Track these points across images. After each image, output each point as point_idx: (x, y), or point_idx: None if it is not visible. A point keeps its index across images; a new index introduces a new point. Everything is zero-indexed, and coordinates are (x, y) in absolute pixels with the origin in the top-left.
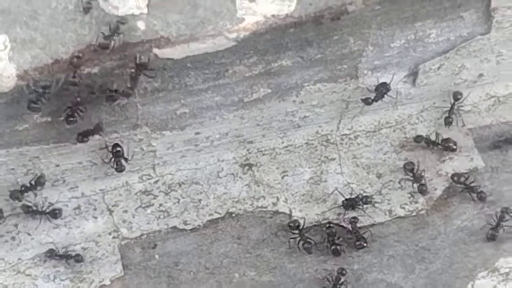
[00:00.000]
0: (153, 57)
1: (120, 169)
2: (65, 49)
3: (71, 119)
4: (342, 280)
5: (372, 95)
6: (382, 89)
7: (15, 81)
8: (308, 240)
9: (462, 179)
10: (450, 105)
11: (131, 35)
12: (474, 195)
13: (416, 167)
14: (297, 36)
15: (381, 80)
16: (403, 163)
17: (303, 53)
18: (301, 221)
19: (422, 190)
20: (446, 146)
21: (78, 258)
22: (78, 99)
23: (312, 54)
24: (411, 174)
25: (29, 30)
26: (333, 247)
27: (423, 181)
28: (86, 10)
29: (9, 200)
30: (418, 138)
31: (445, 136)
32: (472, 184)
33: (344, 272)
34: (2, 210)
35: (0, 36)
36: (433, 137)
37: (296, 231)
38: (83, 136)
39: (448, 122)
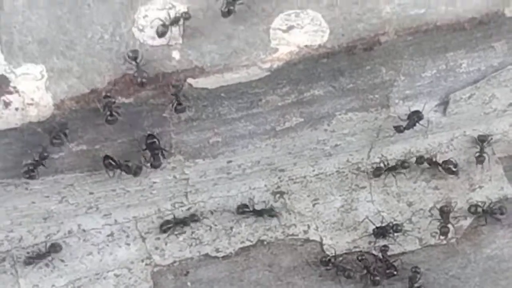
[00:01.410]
0: (187, 86)
1: (157, 164)
2: (101, 79)
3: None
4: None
5: (404, 123)
6: (414, 117)
7: (52, 110)
8: (345, 268)
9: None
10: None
11: (165, 65)
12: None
13: (451, 210)
14: (329, 66)
15: (413, 109)
16: (440, 206)
17: (335, 83)
18: (331, 253)
19: (444, 232)
20: (446, 168)
21: (57, 249)
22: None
23: (344, 83)
24: (444, 216)
25: (65, 59)
26: (374, 277)
27: (447, 223)
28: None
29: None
30: (420, 160)
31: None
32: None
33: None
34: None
35: (37, 66)
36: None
37: (330, 265)
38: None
39: (480, 161)
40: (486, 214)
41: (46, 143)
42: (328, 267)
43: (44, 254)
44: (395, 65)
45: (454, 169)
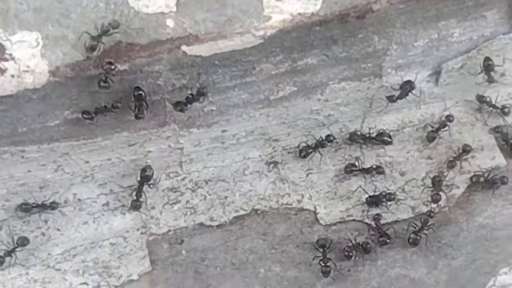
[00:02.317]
0: (181, 54)
1: (140, 115)
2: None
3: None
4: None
5: (397, 93)
6: (406, 87)
7: (47, 77)
8: (328, 264)
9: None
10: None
11: (160, 33)
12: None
13: (443, 179)
14: (322, 34)
15: (405, 79)
16: (432, 176)
17: (328, 52)
18: (328, 242)
19: (436, 199)
20: (382, 140)
21: (54, 206)
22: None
23: (337, 52)
24: (436, 184)
25: (61, 27)
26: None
27: (438, 190)
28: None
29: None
30: (353, 136)
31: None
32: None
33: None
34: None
35: (32, 34)
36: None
37: (321, 250)
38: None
39: (431, 138)
40: (487, 183)
41: None
42: (319, 251)
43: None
44: (387, 34)
45: (389, 140)
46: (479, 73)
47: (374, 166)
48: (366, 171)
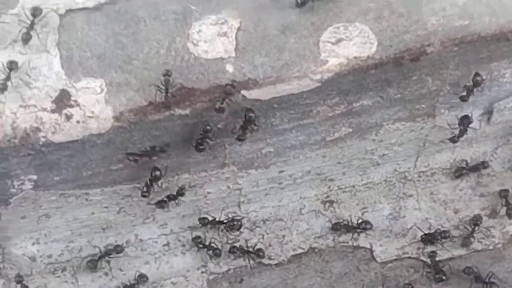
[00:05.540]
0: (241, 98)
1: (200, 148)
2: (158, 92)
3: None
4: None
5: (456, 132)
6: (464, 123)
7: (111, 122)
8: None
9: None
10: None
11: (220, 78)
12: None
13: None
14: (377, 76)
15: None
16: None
17: (383, 93)
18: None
19: (465, 243)
20: (364, 228)
21: (118, 249)
22: (209, 127)
23: (392, 94)
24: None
25: (123, 73)
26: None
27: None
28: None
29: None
30: (335, 226)
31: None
32: None
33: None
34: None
35: (96, 80)
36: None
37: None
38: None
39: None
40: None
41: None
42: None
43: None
44: (441, 75)
45: (370, 226)
46: None
47: (360, 222)
48: (353, 228)
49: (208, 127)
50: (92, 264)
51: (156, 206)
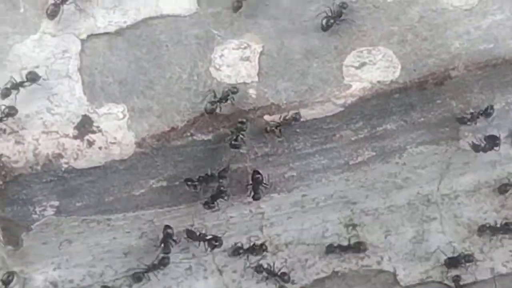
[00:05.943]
0: (264, 123)
1: (257, 196)
2: (180, 117)
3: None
4: None
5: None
6: (492, 142)
7: (134, 148)
8: None
9: None
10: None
11: (243, 103)
12: None
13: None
14: (401, 101)
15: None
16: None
17: (406, 117)
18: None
19: (456, 280)
20: (358, 249)
21: (165, 262)
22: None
23: (415, 117)
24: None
25: (145, 99)
26: None
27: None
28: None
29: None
30: (329, 248)
31: None
32: None
33: None
34: None
35: (118, 106)
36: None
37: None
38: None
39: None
40: None
41: None
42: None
43: None
44: (464, 99)
45: (365, 248)
46: None
47: (352, 244)
48: (344, 248)
49: (222, 188)
50: (137, 277)
51: (204, 207)
